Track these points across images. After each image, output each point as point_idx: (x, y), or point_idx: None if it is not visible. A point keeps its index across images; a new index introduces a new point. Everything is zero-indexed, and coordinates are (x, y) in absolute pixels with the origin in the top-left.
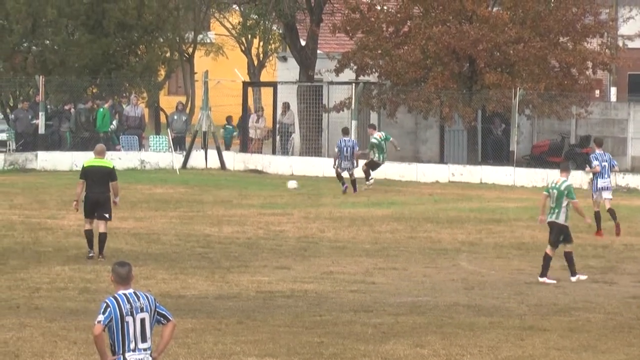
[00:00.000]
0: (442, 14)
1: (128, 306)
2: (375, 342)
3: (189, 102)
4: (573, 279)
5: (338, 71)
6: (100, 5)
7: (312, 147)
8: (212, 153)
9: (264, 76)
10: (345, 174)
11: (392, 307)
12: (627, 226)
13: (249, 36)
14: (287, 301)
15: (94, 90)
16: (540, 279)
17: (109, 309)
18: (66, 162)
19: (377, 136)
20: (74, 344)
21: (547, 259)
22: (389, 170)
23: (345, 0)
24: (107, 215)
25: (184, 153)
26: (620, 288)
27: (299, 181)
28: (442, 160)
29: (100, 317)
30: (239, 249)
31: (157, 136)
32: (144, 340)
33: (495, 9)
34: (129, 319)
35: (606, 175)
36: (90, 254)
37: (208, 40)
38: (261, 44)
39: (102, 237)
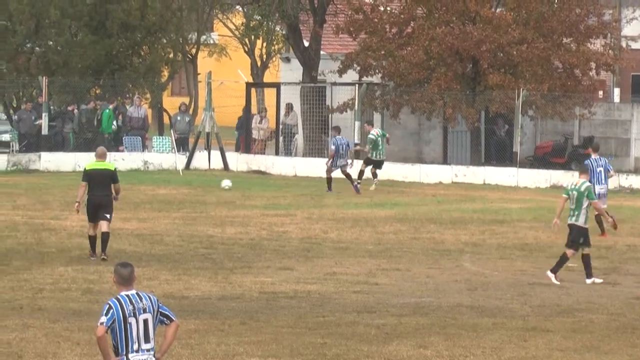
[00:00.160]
0: (445, 15)
1: (131, 307)
2: (379, 343)
3: (192, 103)
4: (588, 281)
5: (341, 72)
6: (103, 6)
7: (315, 148)
8: (216, 154)
9: (267, 77)
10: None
11: (395, 308)
12: (630, 227)
13: (252, 37)
14: (290, 302)
15: (97, 91)
16: (549, 274)
17: (111, 311)
18: (69, 163)
19: (374, 132)
20: (77, 344)
21: (564, 259)
22: (392, 171)
23: (348, 1)
24: (107, 216)
25: (187, 154)
26: (624, 289)
27: (302, 182)
28: (445, 161)
29: (103, 319)
30: (242, 249)
31: (161, 137)
32: (147, 341)
33: (498, 10)
34: (132, 320)
35: (603, 182)
36: (92, 258)
37: (211, 41)
38: (264, 44)
39: (105, 236)
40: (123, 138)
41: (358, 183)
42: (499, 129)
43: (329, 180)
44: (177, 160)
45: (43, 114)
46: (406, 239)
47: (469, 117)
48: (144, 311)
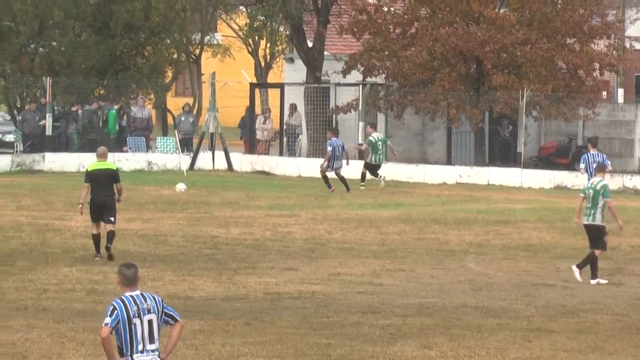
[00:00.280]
0: (449, 16)
1: (135, 308)
2: (383, 344)
3: (196, 104)
4: (593, 282)
5: (345, 72)
6: (107, 6)
7: (319, 149)
8: (220, 154)
9: (271, 77)
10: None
11: (399, 308)
12: (634, 228)
13: (256, 37)
14: (295, 303)
15: (100, 92)
16: (593, 282)
17: (116, 311)
18: (73, 164)
19: (375, 135)
20: (82, 345)
21: (591, 259)
22: (396, 172)
23: (352, 2)
24: (112, 219)
25: (191, 154)
26: (628, 289)
27: (306, 182)
28: (449, 161)
29: (108, 320)
30: (247, 250)
31: (165, 137)
32: (151, 341)
33: (502, 11)
34: (137, 320)
35: None
36: (97, 258)
37: (215, 42)
38: (268, 45)
39: (111, 233)
40: (127, 139)
41: (362, 186)
42: (503, 129)
43: (326, 178)
44: (181, 161)
45: (47, 115)
46: (410, 240)
47: (472, 117)
48: (149, 312)
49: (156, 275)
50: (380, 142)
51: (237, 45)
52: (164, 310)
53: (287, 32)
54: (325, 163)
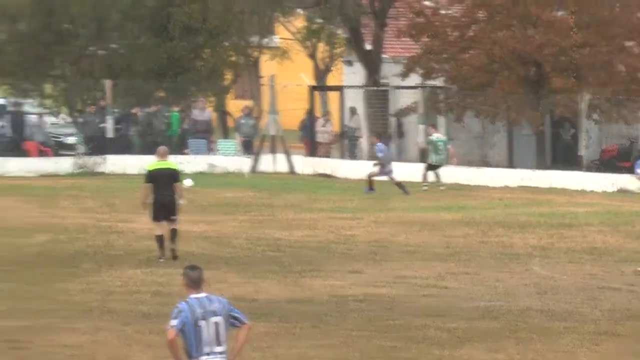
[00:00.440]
0: (506, 19)
1: (201, 310)
2: (450, 347)
3: (256, 106)
4: None
5: (404, 75)
6: (165, 9)
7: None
8: (281, 157)
9: (331, 80)
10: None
11: (465, 311)
12: None
13: (314, 40)
14: (360, 305)
15: (160, 94)
16: None
17: (181, 314)
18: (135, 166)
19: (436, 136)
20: (149, 347)
21: None
22: (458, 175)
23: (409, 5)
24: (174, 218)
25: (253, 157)
26: None
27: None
28: (510, 164)
29: (173, 322)
30: (310, 252)
31: (226, 140)
32: (218, 343)
33: (559, 14)
34: (202, 322)
35: None
36: (161, 260)
37: (273, 45)
38: (327, 48)
39: (174, 232)
40: (188, 141)
41: (425, 186)
42: (565, 132)
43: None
44: (243, 163)
45: (108, 117)
46: (474, 243)
47: (533, 120)
48: (215, 314)
49: (221, 278)
50: (441, 143)
51: (296, 47)
52: (230, 312)
53: (345, 35)
54: (377, 169)
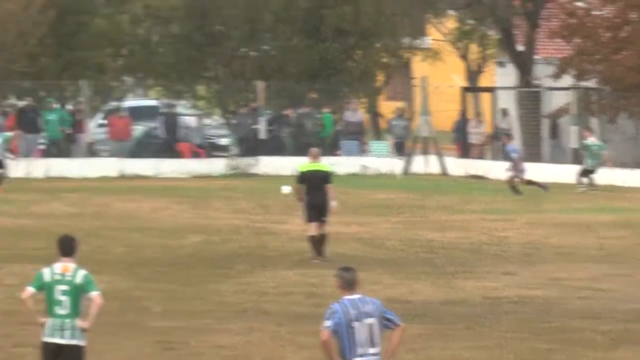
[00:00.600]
0: None
1: (355, 311)
2: (605, 349)
3: (408, 108)
4: None
5: (556, 77)
6: (317, 10)
7: (532, 153)
8: (433, 158)
9: (483, 81)
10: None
11: (620, 313)
12: None
13: (466, 41)
14: (514, 307)
15: (312, 96)
16: None
17: (335, 315)
18: (287, 167)
19: (591, 140)
20: (302, 348)
21: None
22: (612, 176)
23: (561, 5)
24: (323, 219)
25: (405, 158)
26: None
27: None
28: None
29: (327, 323)
30: (463, 254)
31: (378, 141)
32: (372, 345)
33: None
34: (356, 324)
35: None
36: (315, 260)
37: (425, 46)
38: (479, 49)
39: (322, 237)
40: (340, 142)
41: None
42: None
43: (516, 186)
44: (395, 165)
45: (260, 119)
46: (630, 245)
47: None
48: (368, 315)
49: (374, 279)
50: (596, 147)
51: (447, 49)
52: (384, 314)
53: (497, 36)
54: (514, 172)
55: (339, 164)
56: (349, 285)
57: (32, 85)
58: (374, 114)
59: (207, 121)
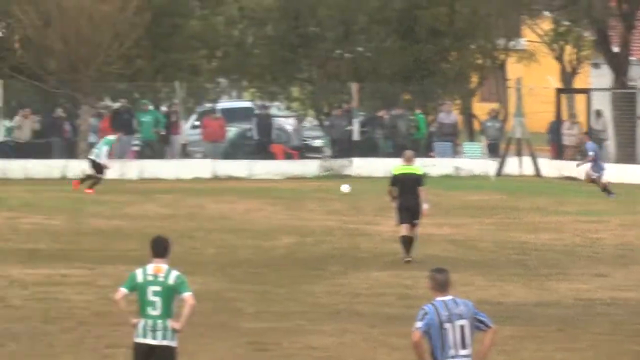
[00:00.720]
0: None
1: (446, 313)
2: None
3: (503, 109)
4: None
5: None
6: (412, 12)
7: (626, 155)
8: (527, 160)
9: (577, 83)
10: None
11: None
12: None
13: (561, 43)
14: (607, 309)
15: (406, 97)
16: None
17: (427, 316)
18: (381, 169)
19: None
20: (395, 349)
21: None
22: None
23: None
24: (415, 222)
25: (498, 160)
26: None
27: (614, 188)
28: None
29: (419, 324)
30: (556, 256)
31: (472, 143)
32: (463, 347)
33: None
34: (448, 325)
35: None
36: (407, 259)
37: (520, 47)
38: (574, 50)
39: (411, 240)
40: (433, 144)
41: None
42: None
43: (605, 186)
44: (489, 166)
45: (354, 120)
46: None
47: None
48: (460, 317)
49: (466, 281)
50: None
51: (542, 50)
52: (476, 316)
53: (593, 37)
54: (591, 170)
55: (432, 166)
56: (442, 286)
57: (127, 87)
58: (468, 115)
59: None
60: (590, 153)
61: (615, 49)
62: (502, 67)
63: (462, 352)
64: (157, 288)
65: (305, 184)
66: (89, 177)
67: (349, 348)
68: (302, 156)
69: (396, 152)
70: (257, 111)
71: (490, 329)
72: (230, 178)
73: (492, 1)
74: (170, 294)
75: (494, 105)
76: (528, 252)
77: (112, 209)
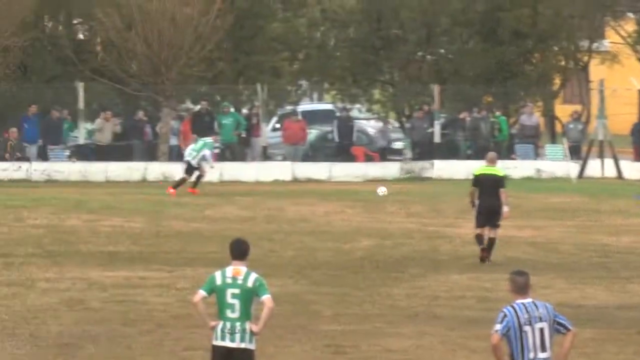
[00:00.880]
0: None
1: (526, 316)
2: None
3: (585, 111)
4: None
5: None
6: (494, 13)
7: None
8: (609, 162)
9: None
10: None
11: None
12: None
13: None
14: None
15: (488, 99)
16: None
17: (506, 319)
18: (462, 171)
19: None
20: (474, 352)
21: None
22: None
23: None
24: (498, 224)
25: (580, 162)
26: None
27: None
28: None
29: (498, 327)
30: (638, 259)
31: (553, 145)
32: (543, 350)
33: None
34: (527, 328)
35: None
36: (482, 247)
37: (603, 49)
38: None
39: (491, 241)
40: (515, 146)
41: None
42: None
43: None
44: (570, 169)
45: (435, 122)
46: None
47: None
48: (540, 320)
49: (547, 283)
50: None
51: (626, 52)
52: (555, 318)
53: None
54: None
55: (514, 168)
56: (522, 289)
57: (208, 89)
58: (550, 117)
59: (381, 125)
60: None
61: None
62: (584, 68)
63: (542, 355)
64: (236, 290)
65: (386, 186)
66: (198, 178)
67: (427, 351)
68: (382, 158)
69: (477, 155)
70: (338, 113)
71: (570, 331)
72: (310, 180)
73: (576, 2)
74: (248, 296)
75: (577, 107)
76: (609, 255)
77: (192, 211)
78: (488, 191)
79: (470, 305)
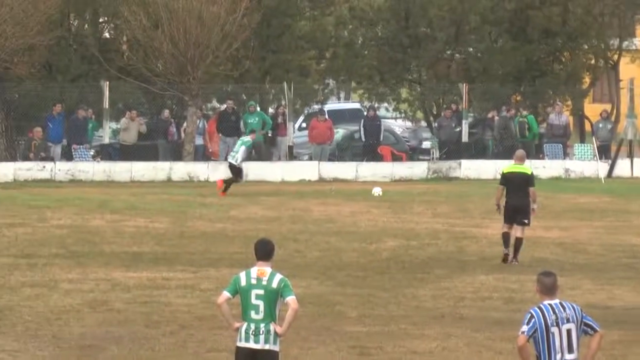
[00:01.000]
0: None
1: (553, 317)
2: None
3: (614, 110)
4: None
5: None
6: (524, 12)
7: None
8: (638, 162)
9: None
10: None
11: None
12: None
13: None
14: None
15: (517, 98)
16: None
17: (533, 320)
18: (490, 171)
19: None
20: (499, 354)
21: None
22: None
23: None
24: (525, 221)
25: (609, 162)
26: None
27: None
28: None
29: (524, 328)
30: None
31: (582, 145)
32: (570, 351)
33: None
34: (554, 329)
35: None
36: (505, 252)
37: (633, 47)
38: None
39: (519, 242)
40: (544, 145)
41: None
42: None
43: None
44: (599, 168)
45: (463, 121)
46: None
47: None
48: (567, 321)
49: (574, 284)
50: None
51: None
52: (583, 320)
53: None
54: None
55: (542, 167)
56: (549, 290)
57: (235, 88)
58: (579, 116)
59: (408, 124)
60: None
61: None
62: (614, 67)
63: (569, 356)
64: (260, 291)
65: (413, 186)
66: (231, 181)
67: (453, 353)
68: (410, 158)
69: (505, 154)
70: (365, 112)
71: (598, 333)
72: (336, 180)
73: (606, 1)
74: (273, 297)
75: (606, 106)
76: (638, 256)
77: (216, 211)
78: (516, 189)
79: (497, 307)
